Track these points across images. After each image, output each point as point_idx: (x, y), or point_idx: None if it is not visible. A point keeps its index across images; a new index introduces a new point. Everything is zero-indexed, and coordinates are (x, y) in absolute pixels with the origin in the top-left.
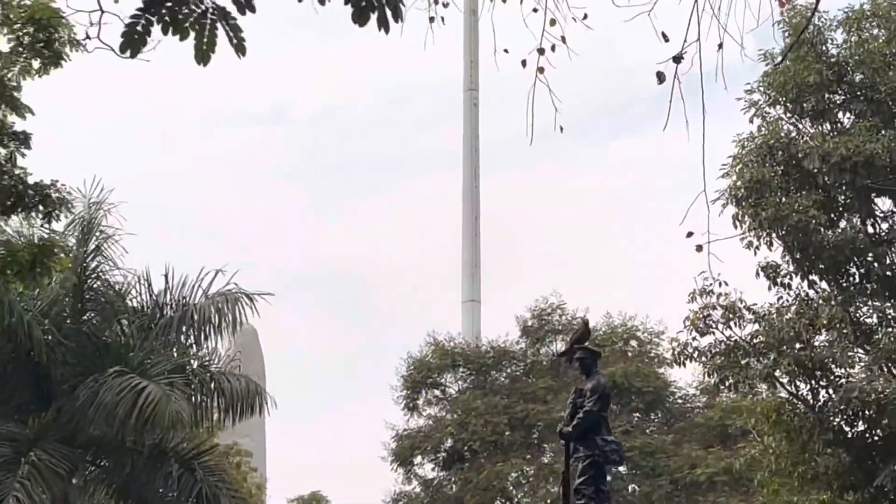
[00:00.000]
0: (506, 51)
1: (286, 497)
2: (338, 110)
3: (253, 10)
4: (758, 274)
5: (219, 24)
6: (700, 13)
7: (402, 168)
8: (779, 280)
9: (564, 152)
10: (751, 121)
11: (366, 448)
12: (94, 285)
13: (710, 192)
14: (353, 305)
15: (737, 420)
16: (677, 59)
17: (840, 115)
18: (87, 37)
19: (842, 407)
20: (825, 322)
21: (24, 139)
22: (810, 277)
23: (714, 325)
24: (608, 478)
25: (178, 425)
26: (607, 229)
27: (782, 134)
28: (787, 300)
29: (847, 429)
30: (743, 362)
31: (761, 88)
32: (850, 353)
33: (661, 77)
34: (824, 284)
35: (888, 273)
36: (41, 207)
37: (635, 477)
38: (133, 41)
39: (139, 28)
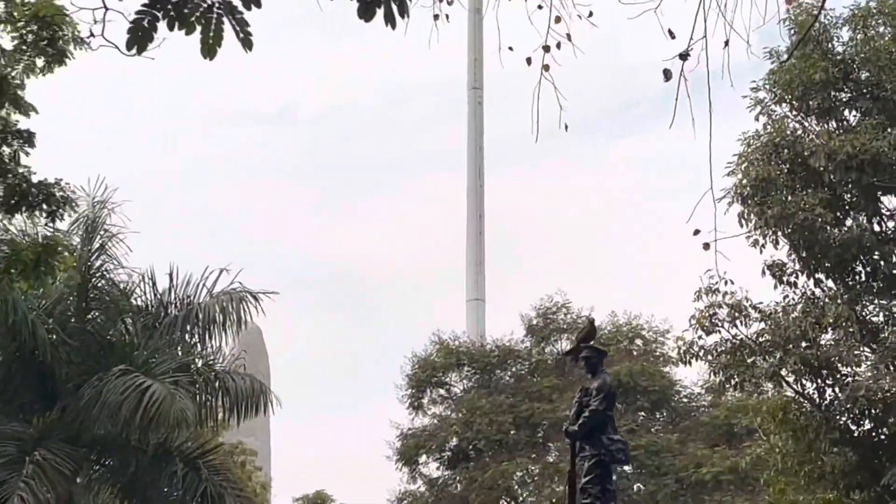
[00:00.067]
0: (510, 48)
1: (291, 496)
2: (342, 110)
3: (259, 4)
4: (764, 272)
5: (225, 19)
6: (706, 10)
7: (405, 167)
8: (785, 278)
9: (569, 151)
10: (756, 119)
11: (371, 447)
12: (99, 284)
13: (716, 191)
14: (358, 305)
15: (742, 419)
16: (684, 56)
17: (846, 112)
18: (92, 34)
19: (848, 406)
20: (831, 320)
21: (27, 137)
22: (816, 276)
23: (720, 324)
24: (614, 477)
25: (182, 424)
26: (612, 228)
27: (788, 132)
28: (793, 299)
29: (853, 427)
30: (749, 361)
31: (767, 86)
32: (856, 352)
33: (667, 74)
34: (830, 283)
35: (894, 271)
36: (45, 206)
37: (640, 476)
38: (139, 37)
39: (145, 24)
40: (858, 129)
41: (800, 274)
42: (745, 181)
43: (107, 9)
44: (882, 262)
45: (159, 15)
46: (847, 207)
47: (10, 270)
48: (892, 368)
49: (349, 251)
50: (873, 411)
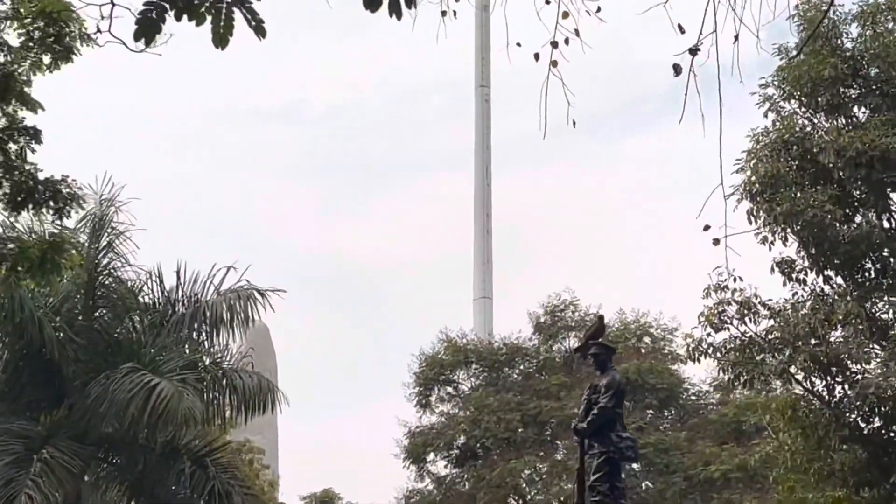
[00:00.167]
0: (518, 44)
1: (298, 494)
2: (349, 108)
3: None
4: (773, 269)
5: (235, 8)
6: (716, 5)
7: (413, 165)
8: (794, 275)
9: (577, 149)
10: (765, 115)
11: (378, 445)
12: (106, 282)
13: (725, 187)
14: (365, 303)
15: (751, 417)
16: (693, 50)
17: (855, 109)
18: (98, 30)
19: (858, 403)
20: (841, 318)
21: (34, 134)
22: (825, 273)
23: (729, 321)
24: (623, 475)
25: (190, 422)
26: (620, 225)
27: (797, 128)
28: (803, 296)
29: (863, 425)
30: (758, 358)
31: (776, 83)
32: (865, 349)
33: (677, 69)
34: (840, 280)
35: None
36: (52, 203)
37: (649, 474)
38: (147, 28)
39: (153, 15)
40: (868, 126)
41: (809, 271)
42: (753, 178)
43: (114, 4)
44: (892, 259)
45: (167, 6)
46: (856, 204)
47: (17, 268)
48: None
49: (356, 250)
50: (883, 408)
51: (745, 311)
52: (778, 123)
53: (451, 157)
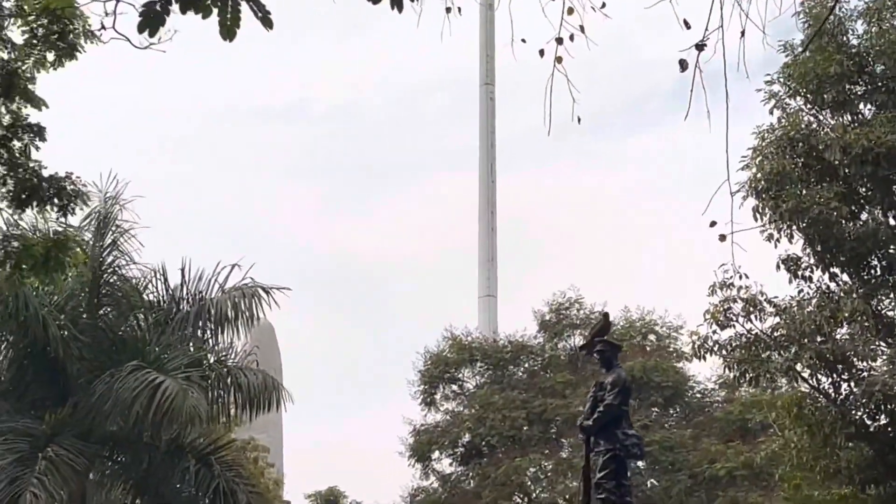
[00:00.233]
0: (523, 40)
1: (303, 492)
2: (353, 107)
3: None
4: (778, 267)
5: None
6: (722, 0)
7: (417, 164)
8: (800, 273)
9: (581, 147)
10: (771, 112)
11: (383, 443)
12: (111, 280)
13: (730, 184)
14: (369, 302)
15: (756, 414)
16: (700, 46)
17: (861, 106)
18: (103, 27)
19: (864, 400)
20: (847, 315)
21: (38, 131)
22: (831, 270)
23: (734, 319)
24: (629, 472)
25: (195, 420)
26: (624, 224)
27: (803, 125)
28: (809, 293)
29: (869, 422)
30: (764, 356)
31: (781, 79)
32: (872, 347)
33: (683, 65)
34: (846, 277)
35: None
36: (56, 200)
37: (654, 472)
38: (151, 20)
39: (157, 7)
40: (874, 123)
41: (815, 268)
42: (759, 175)
43: (118, 0)
44: None
45: None
46: (862, 201)
47: (21, 266)
48: None
49: (360, 248)
50: (889, 406)
51: (751, 309)
52: (784, 120)
53: (455, 156)
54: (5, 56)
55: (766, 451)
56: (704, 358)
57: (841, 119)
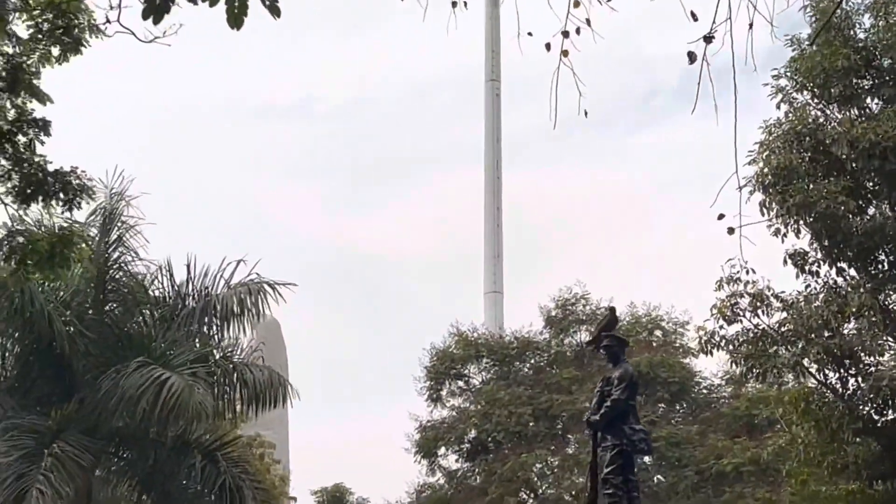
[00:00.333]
0: (530, 34)
1: (309, 489)
2: (359, 104)
3: None
4: (785, 261)
5: None
6: None
7: (423, 161)
8: (807, 267)
9: (587, 143)
10: (778, 107)
11: (389, 440)
12: (116, 276)
13: (735, 180)
14: (375, 298)
15: (763, 410)
16: (708, 38)
17: (868, 100)
18: (108, 20)
19: (871, 395)
20: (854, 310)
21: (43, 126)
22: (839, 265)
23: (741, 314)
24: (636, 468)
25: (201, 416)
26: (630, 219)
27: (810, 120)
28: (816, 288)
29: (877, 417)
30: (771, 351)
31: (788, 74)
32: (879, 342)
33: (692, 57)
34: (853, 272)
35: None
36: (62, 195)
37: (661, 468)
38: (157, 7)
39: None
40: (881, 117)
41: (822, 263)
42: (766, 169)
43: None
44: None
45: None
46: (869, 196)
47: (26, 262)
48: None
49: (366, 245)
50: None
51: (758, 304)
52: (791, 115)
53: (461, 152)
54: (10, 51)
55: (773, 447)
56: (711, 353)
57: (848, 113)
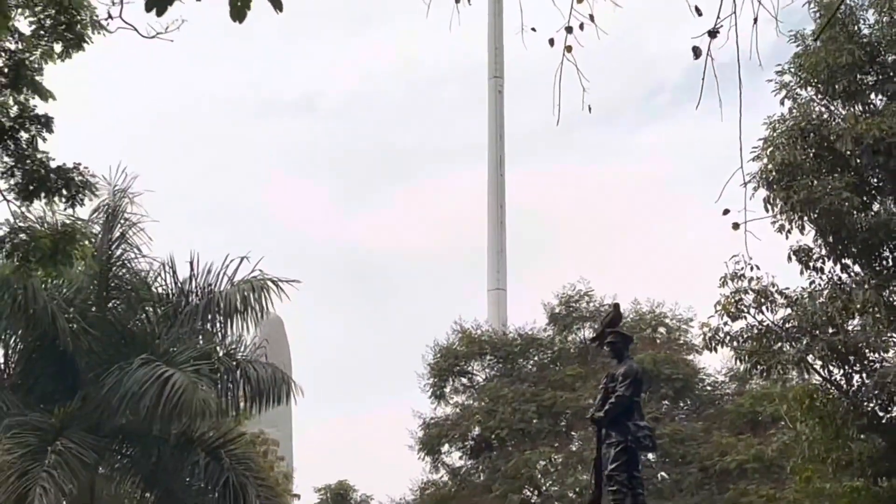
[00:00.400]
0: (533, 29)
1: (313, 486)
2: (362, 100)
3: None
4: (790, 258)
5: None
6: None
7: (426, 157)
8: (811, 264)
9: (590, 140)
10: (781, 103)
11: (393, 437)
12: (119, 273)
13: (740, 176)
14: (378, 295)
15: (767, 407)
16: (713, 33)
17: (872, 96)
18: (110, 16)
19: (876, 392)
20: (859, 306)
21: (45, 122)
22: (843, 261)
23: (745, 310)
24: (640, 464)
25: (204, 414)
26: (634, 216)
27: (814, 116)
28: (820, 284)
29: (881, 414)
30: (775, 347)
31: (792, 70)
32: (884, 338)
33: (696, 52)
34: (857, 268)
35: None
36: (64, 192)
37: (665, 465)
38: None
39: None
40: (885, 113)
41: (826, 259)
42: (770, 166)
43: None
44: None
45: None
46: (874, 192)
47: (29, 259)
48: None
49: (370, 241)
50: None
51: (763, 300)
52: (794, 111)
53: (464, 149)
54: (13, 47)
55: (778, 444)
56: (715, 349)
57: (852, 109)
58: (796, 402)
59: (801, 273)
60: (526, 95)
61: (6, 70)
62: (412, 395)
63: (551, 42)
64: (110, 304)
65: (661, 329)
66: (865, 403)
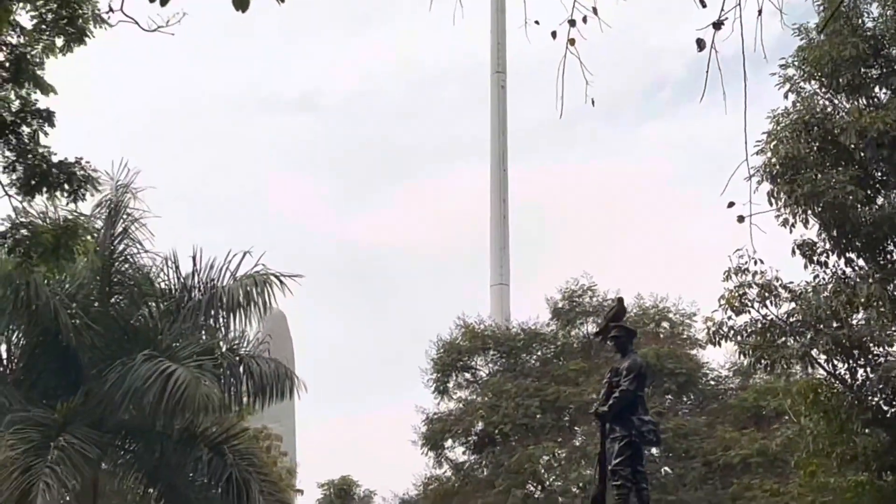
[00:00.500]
0: (537, 22)
1: (317, 481)
2: (364, 97)
3: None
4: (794, 252)
5: None
6: None
7: (429, 152)
8: (815, 258)
9: (593, 135)
10: (785, 96)
11: (396, 432)
12: (122, 268)
13: (744, 170)
14: (382, 291)
15: (771, 401)
16: (717, 24)
17: (876, 89)
18: (111, 9)
19: (880, 386)
20: (863, 300)
21: (47, 117)
22: (847, 255)
23: (749, 304)
24: (644, 459)
25: (207, 409)
26: (637, 211)
27: (818, 109)
28: (824, 278)
29: (886, 408)
30: (779, 342)
31: (796, 63)
32: (888, 332)
33: (700, 44)
34: (862, 262)
35: None
36: (66, 186)
37: (668, 459)
38: None
39: None
40: (889, 106)
41: (830, 253)
42: (774, 159)
43: None
44: None
45: None
46: (878, 185)
47: (31, 254)
48: None
49: (372, 237)
50: None
51: (767, 294)
52: (798, 104)
53: (467, 144)
54: (14, 41)
55: (781, 438)
56: (719, 344)
57: (856, 102)
58: (800, 397)
59: (805, 267)
60: (528, 92)
61: (8, 64)
62: (414, 392)
63: (554, 35)
64: (113, 300)
65: (665, 324)
66: (870, 398)
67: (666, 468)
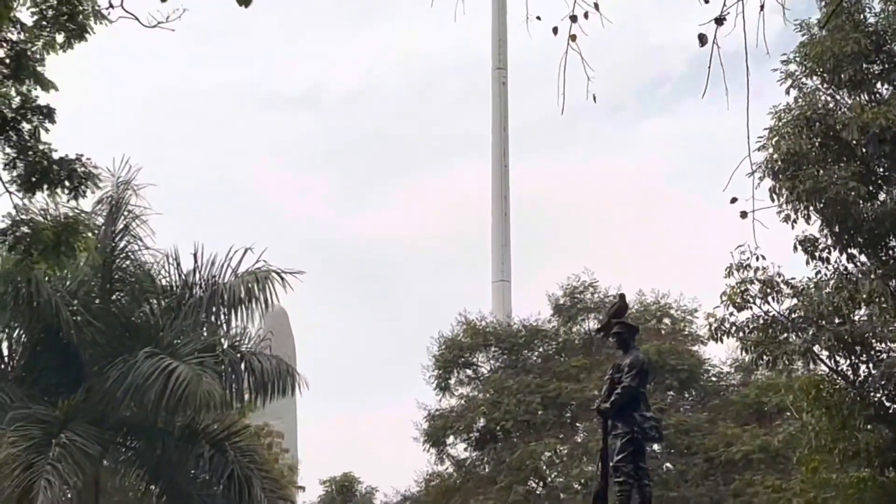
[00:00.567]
0: (538, 18)
1: (318, 478)
2: (366, 93)
3: None
4: (795, 248)
5: None
6: None
7: (431, 149)
8: (817, 254)
9: (595, 132)
10: (787, 92)
11: (398, 429)
12: (123, 265)
13: (747, 165)
14: (383, 287)
15: (773, 397)
16: (719, 20)
17: (878, 85)
18: (111, 5)
19: (882, 382)
20: (865, 296)
21: (48, 113)
22: (849, 251)
23: (751, 300)
24: (646, 455)
25: (209, 405)
26: (638, 207)
27: (819, 105)
28: (826, 274)
29: (888, 404)
30: (781, 338)
31: (798, 59)
32: (890, 328)
33: (702, 39)
34: (864, 258)
35: None
36: (67, 183)
37: (670, 455)
38: None
39: None
40: (891, 102)
41: (832, 249)
42: (776, 155)
43: None
44: None
45: None
46: (880, 181)
47: (31, 252)
48: None
49: (374, 233)
50: None
51: (768, 290)
52: (800, 100)
53: (468, 141)
54: (15, 37)
55: (784, 434)
56: (721, 340)
57: (858, 98)
58: (802, 393)
59: (807, 263)
60: (529, 89)
61: (8, 60)
62: (415, 390)
63: (555, 30)
64: (114, 297)
65: (666, 320)
66: (872, 394)
67: (668, 464)
